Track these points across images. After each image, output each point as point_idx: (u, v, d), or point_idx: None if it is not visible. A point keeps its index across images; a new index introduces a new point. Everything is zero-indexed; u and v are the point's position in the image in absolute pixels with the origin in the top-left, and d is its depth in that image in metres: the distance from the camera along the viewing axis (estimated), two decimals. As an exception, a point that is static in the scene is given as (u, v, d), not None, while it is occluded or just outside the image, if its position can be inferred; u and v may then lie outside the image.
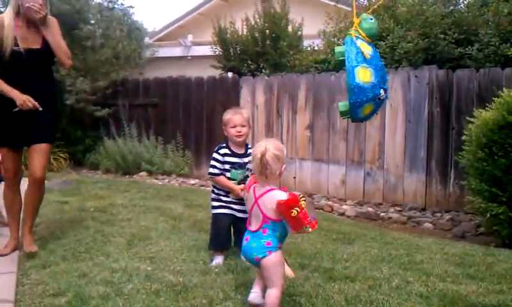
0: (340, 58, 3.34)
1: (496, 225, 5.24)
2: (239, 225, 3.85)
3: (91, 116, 11.05)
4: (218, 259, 3.87)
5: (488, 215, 5.24)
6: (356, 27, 3.38)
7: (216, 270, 3.65)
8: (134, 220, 5.27)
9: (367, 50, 3.27)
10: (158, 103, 10.87)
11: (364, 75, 3.20)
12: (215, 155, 3.93)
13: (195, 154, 10.38)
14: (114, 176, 10.06)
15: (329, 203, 7.92)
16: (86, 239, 4.47)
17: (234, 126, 3.88)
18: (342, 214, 7.31)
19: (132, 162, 10.26)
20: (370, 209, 7.57)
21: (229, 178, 3.89)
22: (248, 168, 3.91)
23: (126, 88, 11.30)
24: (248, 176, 3.80)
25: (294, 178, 9.07)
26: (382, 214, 7.26)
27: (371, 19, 3.39)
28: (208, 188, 8.96)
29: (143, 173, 10.11)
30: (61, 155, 10.77)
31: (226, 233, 3.98)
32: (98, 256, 3.98)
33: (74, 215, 5.46)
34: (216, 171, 3.91)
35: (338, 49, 3.41)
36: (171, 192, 7.31)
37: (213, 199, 4.03)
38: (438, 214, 7.24)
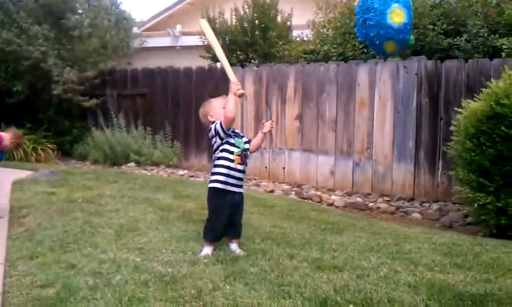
0: None
1: (484, 215, 5.28)
2: (235, 213, 3.95)
3: (79, 106, 10.99)
4: (208, 250, 3.84)
5: (476, 205, 5.28)
6: None
7: (205, 260, 3.64)
8: (123, 211, 5.23)
9: None
10: (146, 93, 10.83)
11: (398, 16, 3.43)
12: (216, 121, 3.92)
13: (184, 144, 10.36)
14: (102, 167, 10.01)
15: (318, 193, 7.93)
16: (74, 230, 4.44)
17: (223, 108, 3.94)
18: (331, 204, 7.32)
19: (120, 153, 10.22)
20: (358, 199, 7.59)
21: (233, 144, 3.89)
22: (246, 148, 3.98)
23: (114, 78, 11.25)
24: (246, 154, 3.95)
25: (283, 168, 9.08)
26: (371, 204, 7.29)
27: None
28: (197, 179, 8.96)
29: (132, 164, 10.07)
30: (49, 145, 10.71)
31: (225, 225, 3.93)
32: (87, 247, 3.96)
33: (62, 206, 5.41)
34: (222, 131, 3.86)
35: None
36: (159, 182, 7.28)
37: (212, 173, 3.95)
38: (426, 204, 7.29)
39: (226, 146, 3.88)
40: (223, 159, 3.87)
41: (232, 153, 3.87)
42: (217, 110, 3.97)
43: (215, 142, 3.91)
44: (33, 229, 4.53)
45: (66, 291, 3.05)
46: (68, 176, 7.46)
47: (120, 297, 2.95)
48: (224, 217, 3.88)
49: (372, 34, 3.63)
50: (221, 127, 3.81)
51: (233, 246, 3.96)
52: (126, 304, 2.86)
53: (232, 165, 3.85)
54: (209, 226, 3.92)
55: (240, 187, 3.96)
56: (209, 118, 3.99)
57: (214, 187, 3.87)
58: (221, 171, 3.85)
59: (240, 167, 3.89)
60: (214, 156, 3.97)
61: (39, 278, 3.28)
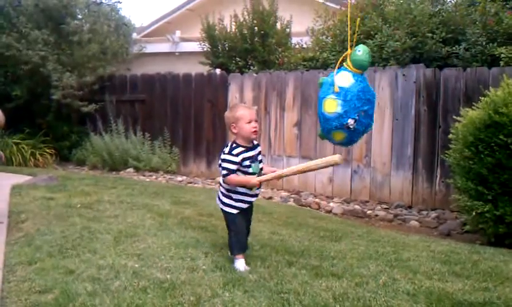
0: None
1: (482, 223, 5.29)
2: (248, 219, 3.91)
3: (78, 111, 10.99)
4: (243, 262, 3.71)
5: (474, 213, 5.28)
6: (348, 57, 3.51)
7: (204, 267, 3.63)
8: (121, 217, 5.23)
9: (342, 82, 3.41)
10: (145, 99, 10.84)
11: (329, 106, 3.44)
12: (230, 157, 3.68)
13: (182, 151, 10.36)
14: (100, 172, 10.01)
15: (317, 200, 7.94)
16: (73, 236, 4.43)
17: (250, 122, 3.68)
18: (329, 211, 7.33)
19: (118, 158, 10.22)
20: (357, 207, 7.60)
21: (250, 173, 3.70)
22: (259, 159, 3.81)
23: (113, 84, 11.27)
24: (261, 167, 3.81)
25: (282, 175, 9.06)
26: (369, 212, 7.30)
27: (359, 51, 3.46)
28: (196, 185, 8.96)
29: (130, 170, 10.07)
30: (47, 150, 10.71)
31: (245, 233, 3.87)
32: (85, 253, 3.95)
33: (60, 211, 5.40)
34: (231, 170, 3.67)
35: (320, 80, 3.64)
36: (158, 188, 7.28)
37: (226, 196, 3.79)
38: (424, 212, 7.30)
39: (240, 174, 3.72)
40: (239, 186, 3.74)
41: (244, 173, 3.72)
42: (243, 123, 3.68)
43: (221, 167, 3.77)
44: (32, 234, 4.52)
45: (65, 297, 3.04)
46: (67, 181, 7.45)
47: (118, 303, 2.95)
48: (244, 227, 3.81)
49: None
50: (223, 180, 3.73)
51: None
52: (125, 311, 2.86)
53: (248, 191, 3.74)
54: (234, 240, 3.77)
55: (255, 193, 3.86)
56: (232, 128, 3.75)
57: (234, 213, 3.77)
58: (239, 198, 3.74)
59: (257, 191, 3.81)
60: (222, 172, 3.77)
61: (37, 284, 3.27)
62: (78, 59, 11.01)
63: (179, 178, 9.68)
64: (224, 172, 3.66)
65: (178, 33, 13.89)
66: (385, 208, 7.55)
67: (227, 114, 3.87)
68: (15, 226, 4.90)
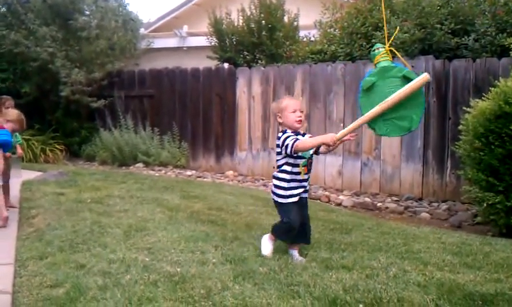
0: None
1: (493, 214, 5.25)
2: (305, 218, 3.88)
3: (87, 107, 11.03)
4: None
5: (485, 204, 5.25)
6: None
7: (214, 260, 3.64)
8: (131, 211, 5.25)
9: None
10: (154, 94, 10.84)
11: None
12: (287, 134, 3.69)
13: (191, 145, 10.36)
14: (110, 168, 10.04)
15: (326, 193, 7.92)
16: (83, 230, 4.46)
17: (294, 111, 3.74)
18: (339, 204, 7.31)
19: (128, 154, 10.24)
20: (367, 199, 7.57)
21: (301, 157, 3.72)
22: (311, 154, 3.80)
23: (121, 79, 11.28)
24: (312, 161, 3.83)
25: (291, 168, 9.06)
26: (379, 204, 7.27)
27: (373, 51, 3.74)
28: (205, 179, 8.96)
29: (140, 164, 10.09)
30: (57, 146, 10.77)
31: (296, 230, 3.81)
32: (96, 247, 3.97)
33: (71, 206, 5.43)
34: (295, 139, 3.63)
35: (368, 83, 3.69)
36: (167, 183, 7.29)
37: (278, 187, 3.81)
38: (435, 204, 7.26)
39: (292, 160, 3.73)
40: (290, 173, 3.75)
41: (297, 165, 3.74)
42: (287, 113, 3.75)
43: (279, 152, 3.78)
44: (42, 229, 4.55)
45: (76, 291, 3.06)
46: (77, 176, 7.49)
47: (129, 296, 2.96)
48: (297, 223, 3.77)
49: None
50: (291, 149, 3.61)
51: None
52: (135, 304, 2.87)
53: (298, 177, 3.76)
54: (284, 228, 3.80)
55: (307, 191, 3.89)
56: (277, 119, 3.85)
57: (286, 203, 3.78)
58: (290, 186, 3.76)
59: (306, 176, 3.80)
60: (277, 163, 3.84)
61: (49, 278, 3.30)
62: (86, 55, 11.04)
63: (188, 173, 9.69)
64: (290, 142, 3.61)
65: (185, 28, 13.89)
66: (395, 201, 7.52)
67: (273, 105, 4.01)
68: (26, 221, 4.94)
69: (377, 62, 3.69)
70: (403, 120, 3.63)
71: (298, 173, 3.76)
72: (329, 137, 3.56)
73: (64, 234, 4.35)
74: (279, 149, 3.76)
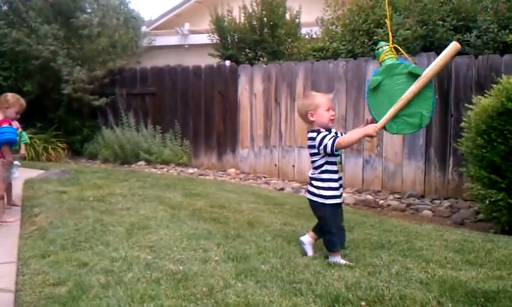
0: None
1: (495, 211, 5.24)
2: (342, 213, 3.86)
3: (89, 105, 11.03)
4: (340, 258, 3.68)
5: (487, 201, 5.24)
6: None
7: (216, 258, 3.64)
8: (133, 209, 5.26)
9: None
10: (155, 92, 10.85)
11: None
12: (322, 134, 3.60)
13: (193, 143, 10.37)
14: (112, 166, 10.05)
15: (328, 190, 7.90)
16: (86, 228, 4.46)
17: (328, 110, 3.67)
18: (341, 202, 7.30)
19: (130, 152, 10.25)
20: (369, 197, 7.57)
21: (337, 155, 3.66)
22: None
23: (123, 77, 11.27)
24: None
25: (293, 166, 9.07)
26: (381, 202, 7.27)
27: (377, 49, 3.77)
28: (207, 177, 8.97)
29: (142, 162, 10.10)
30: (59, 144, 10.78)
31: (343, 228, 3.82)
32: (98, 246, 3.98)
33: (73, 204, 5.44)
34: (333, 136, 3.58)
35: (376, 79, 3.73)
36: (169, 181, 7.29)
37: (322, 188, 3.69)
38: (437, 201, 7.25)
39: (332, 158, 3.67)
40: (331, 172, 3.68)
41: (335, 163, 3.70)
42: (322, 110, 3.66)
43: (315, 153, 3.68)
44: (45, 227, 4.56)
45: (79, 289, 3.06)
46: (79, 175, 7.50)
47: (131, 294, 2.96)
48: (341, 222, 3.78)
49: None
50: (332, 148, 3.55)
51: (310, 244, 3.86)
52: (138, 302, 2.87)
53: (337, 176, 3.71)
54: (334, 238, 3.69)
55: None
56: (309, 116, 3.69)
57: (332, 204, 3.70)
58: (333, 186, 3.69)
59: (341, 174, 3.76)
60: (315, 163, 3.71)
61: (51, 276, 3.30)
62: (88, 53, 11.05)
63: (190, 170, 9.69)
64: (330, 142, 3.54)
65: (187, 26, 13.88)
66: (397, 198, 7.52)
67: (304, 101, 3.84)
68: (28, 220, 4.95)
69: (383, 61, 3.69)
70: (413, 117, 3.64)
71: (336, 171, 3.70)
72: (371, 128, 3.59)
73: (67, 232, 4.35)
74: (315, 150, 3.66)
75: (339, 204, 3.77)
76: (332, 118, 3.69)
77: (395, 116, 3.64)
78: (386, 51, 3.70)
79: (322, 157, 3.65)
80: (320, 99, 3.70)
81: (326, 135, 3.58)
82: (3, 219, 5.01)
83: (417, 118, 3.63)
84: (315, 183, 3.72)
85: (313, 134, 3.63)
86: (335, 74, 8.53)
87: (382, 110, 3.66)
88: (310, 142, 3.68)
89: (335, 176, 3.69)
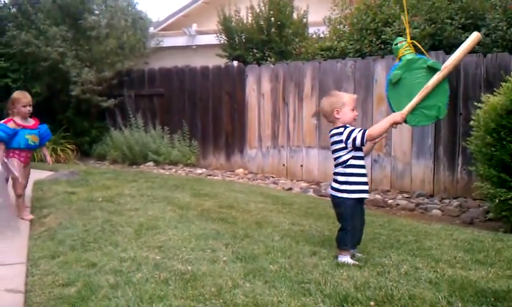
0: None
1: (505, 210, 5.21)
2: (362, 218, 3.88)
3: (98, 106, 11.07)
4: (348, 257, 3.68)
5: (497, 200, 5.21)
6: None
7: (224, 258, 3.64)
8: (142, 210, 5.27)
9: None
10: (164, 93, 10.86)
11: None
12: (349, 128, 3.65)
13: (201, 143, 10.37)
14: (121, 167, 10.08)
15: (337, 190, 7.88)
16: (95, 229, 4.48)
17: (353, 109, 3.74)
18: (350, 201, 7.27)
19: (138, 152, 10.28)
20: (378, 196, 7.55)
21: (361, 149, 3.72)
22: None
23: (131, 78, 11.30)
24: None
25: (301, 166, 9.06)
26: (390, 201, 7.24)
27: (396, 44, 3.90)
28: (215, 177, 8.97)
29: (150, 163, 10.12)
30: (68, 146, 10.82)
31: (359, 228, 3.84)
32: (107, 246, 3.99)
33: (82, 205, 5.47)
34: (361, 129, 3.64)
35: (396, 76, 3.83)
36: (178, 181, 7.31)
37: (346, 183, 3.70)
38: (446, 200, 7.22)
39: (358, 153, 3.71)
40: (358, 167, 3.71)
41: (361, 158, 3.74)
42: (347, 109, 3.72)
43: (342, 148, 3.70)
44: (54, 228, 4.58)
45: (88, 290, 3.08)
46: (88, 176, 7.53)
47: (140, 295, 2.97)
48: (358, 220, 3.79)
49: None
50: (362, 140, 3.58)
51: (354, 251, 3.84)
52: (147, 302, 2.88)
53: (363, 171, 3.74)
54: (349, 234, 3.71)
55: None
56: (335, 113, 3.72)
57: (355, 198, 3.71)
58: (358, 180, 3.70)
59: (365, 171, 3.80)
60: (340, 159, 3.72)
61: (60, 277, 3.32)
62: (96, 55, 11.08)
63: (198, 171, 9.70)
64: (359, 134, 3.59)
65: (194, 26, 13.90)
66: (406, 197, 7.49)
67: (331, 99, 3.83)
68: (38, 221, 4.98)
69: (402, 55, 3.79)
70: (430, 109, 3.74)
71: (363, 166, 3.74)
72: (398, 116, 3.67)
73: (76, 233, 4.37)
74: (341, 145, 3.68)
75: (361, 201, 3.79)
76: (355, 117, 3.76)
77: (414, 109, 3.71)
78: (405, 46, 3.81)
79: (348, 152, 3.68)
80: (347, 98, 3.77)
81: (353, 129, 3.64)
82: (22, 216, 5.07)
83: (434, 110, 3.73)
84: (340, 178, 3.73)
85: (340, 130, 3.68)
86: (343, 74, 8.51)
87: (401, 103, 3.74)
88: (336, 138, 3.71)
89: (361, 171, 3.72)
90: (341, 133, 3.66)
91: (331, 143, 3.78)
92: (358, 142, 3.59)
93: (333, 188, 3.78)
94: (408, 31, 4.03)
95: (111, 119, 11.11)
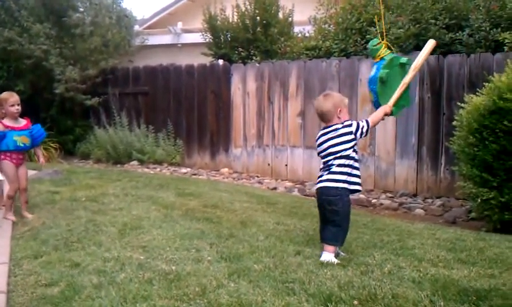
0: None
1: (487, 210, 5.27)
2: None
3: (81, 105, 10.98)
4: (333, 256, 3.70)
5: (479, 200, 5.27)
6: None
7: (209, 258, 3.64)
8: (126, 209, 5.24)
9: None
10: (148, 91, 10.82)
11: None
12: (353, 121, 3.87)
13: (186, 142, 10.35)
14: (105, 166, 10.02)
15: (321, 189, 7.90)
16: (78, 229, 4.45)
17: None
18: (334, 201, 7.29)
19: (123, 151, 10.22)
20: (361, 196, 7.56)
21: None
22: None
23: (116, 76, 11.23)
24: None
25: (286, 165, 9.08)
26: (373, 200, 7.29)
27: (375, 45, 4.09)
28: (200, 177, 8.96)
29: (134, 162, 10.06)
30: (52, 144, 10.71)
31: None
32: (90, 246, 3.97)
33: (65, 205, 5.43)
34: (364, 119, 3.91)
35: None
36: (162, 181, 7.28)
37: (347, 174, 3.76)
38: (429, 200, 7.28)
39: (356, 145, 3.86)
40: (356, 160, 3.83)
41: (356, 151, 3.88)
42: (346, 110, 3.96)
43: (350, 140, 3.78)
44: (37, 228, 4.55)
45: (71, 290, 3.06)
46: (72, 175, 7.48)
47: (124, 295, 2.96)
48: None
49: None
50: (368, 128, 3.87)
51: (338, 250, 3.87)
52: (130, 302, 2.87)
53: (356, 164, 3.84)
54: (343, 231, 3.78)
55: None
56: (338, 112, 3.86)
57: (354, 190, 3.82)
58: (358, 173, 3.82)
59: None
60: (343, 153, 3.77)
61: (43, 277, 3.30)
62: (80, 52, 11.00)
63: (183, 170, 9.68)
64: (364, 124, 3.84)
65: (180, 25, 13.85)
66: (390, 197, 7.54)
67: (336, 99, 3.95)
68: (21, 220, 4.93)
69: (384, 55, 4.02)
70: (401, 100, 4.09)
71: (358, 160, 3.89)
72: (387, 107, 3.97)
73: (59, 233, 4.34)
74: (350, 136, 3.78)
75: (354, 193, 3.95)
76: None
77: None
78: (384, 47, 4.05)
79: (353, 144, 3.82)
80: (345, 100, 4.04)
81: (358, 121, 3.86)
82: (8, 216, 5.02)
83: (403, 101, 4.12)
84: (340, 169, 3.77)
85: (348, 122, 3.84)
86: (327, 73, 8.54)
87: (386, 96, 4.03)
88: (345, 130, 3.81)
89: (358, 164, 3.86)
90: (350, 125, 3.82)
91: (337, 136, 3.81)
92: (365, 130, 3.83)
93: (330, 180, 3.77)
94: (384, 32, 4.41)
95: (95, 117, 11.02)
